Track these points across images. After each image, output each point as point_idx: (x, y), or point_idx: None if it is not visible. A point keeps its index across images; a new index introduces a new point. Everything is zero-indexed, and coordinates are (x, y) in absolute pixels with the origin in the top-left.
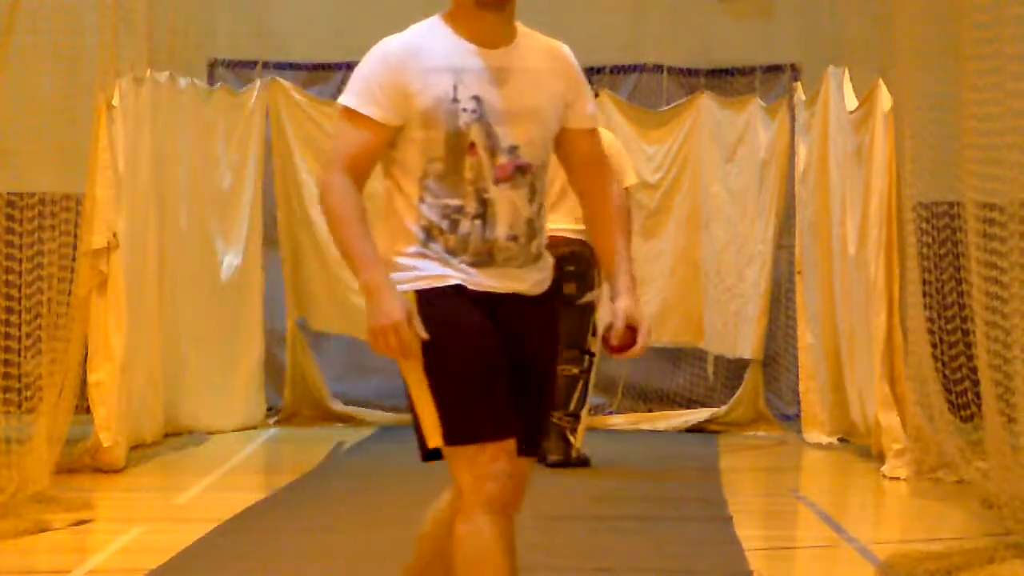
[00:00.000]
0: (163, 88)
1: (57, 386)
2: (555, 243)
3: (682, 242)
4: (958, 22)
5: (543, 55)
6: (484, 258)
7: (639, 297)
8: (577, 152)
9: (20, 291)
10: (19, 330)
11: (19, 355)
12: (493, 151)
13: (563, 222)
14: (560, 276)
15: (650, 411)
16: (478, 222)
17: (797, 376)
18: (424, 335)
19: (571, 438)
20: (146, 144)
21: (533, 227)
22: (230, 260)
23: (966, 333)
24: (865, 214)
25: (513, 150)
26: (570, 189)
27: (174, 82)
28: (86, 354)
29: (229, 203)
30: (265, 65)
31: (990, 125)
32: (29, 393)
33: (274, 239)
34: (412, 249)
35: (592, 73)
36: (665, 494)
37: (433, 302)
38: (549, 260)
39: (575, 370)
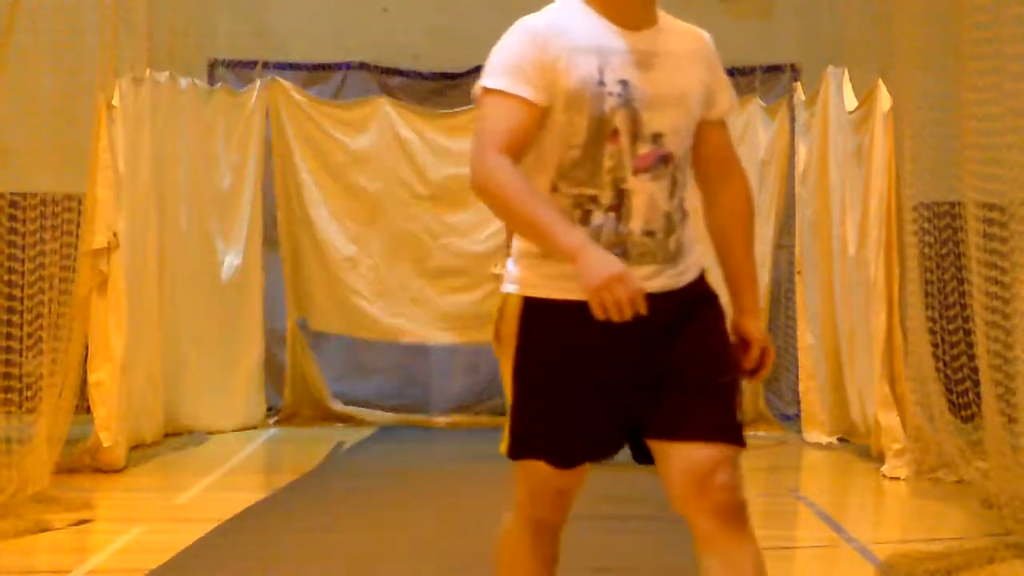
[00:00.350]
0: (163, 88)
1: (57, 386)
2: None
3: None
4: (958, 22)
5: (685, 39)
6: (616, 253)
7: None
8: (707, 146)
9: (23, 291)
10: (21, 330)
11: (21, 355)
12: (635, 139)
13: None
14: None
15: None
16: (612, 214)
17: (797, 376)
18: (645, 287)
19: None
20: (146, 144)
21: (672, 222)
22: (230, 260)
23: (967, 333)
24: (865, 214)
25: (657, 138)
26: None
27: (174, 82)
28: (86, 354)
29: (229, 203)
30: (265, 65)
31: (990, 125)
32: (30, 393)
33: (274, 239)
34: (535, 248)
35: None
36: (665, 494)
37: (540, 312)
38: (693, 253)
39: None
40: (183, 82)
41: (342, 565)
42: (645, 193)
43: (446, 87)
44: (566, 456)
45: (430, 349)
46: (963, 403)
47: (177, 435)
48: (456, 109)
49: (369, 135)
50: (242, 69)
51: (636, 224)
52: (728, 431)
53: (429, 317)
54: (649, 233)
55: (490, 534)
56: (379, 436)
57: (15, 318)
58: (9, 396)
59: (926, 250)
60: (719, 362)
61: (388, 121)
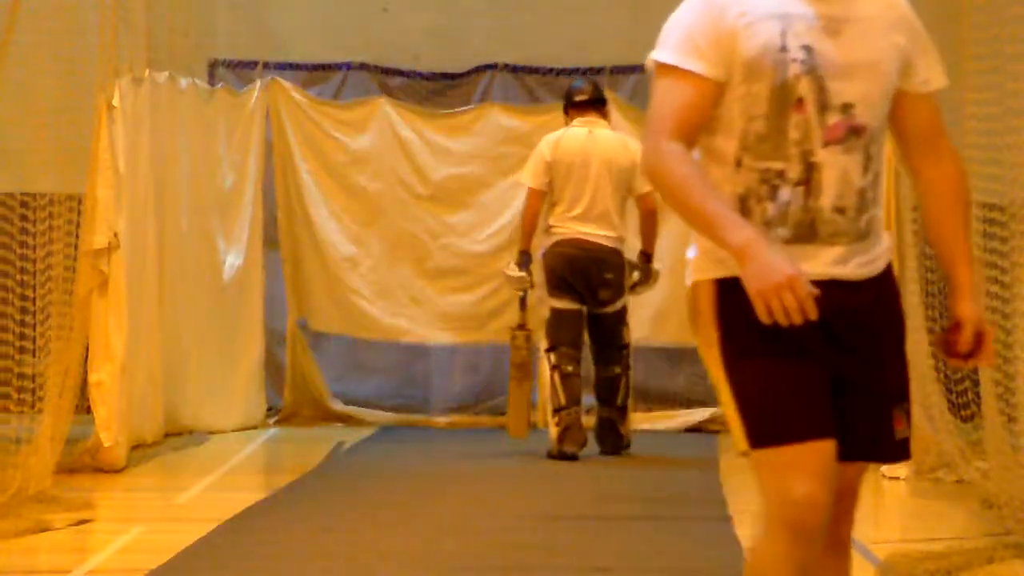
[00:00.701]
0: (162, 88)
1: (59, 386)
2: (591, 247)
3: (682, 242)
4: (958, 22)
5: (879, 4)
6: (805, 231)
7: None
8: (912, 120)
9: (34, 291)
10: (34, 330)
11: (34, 355)
12: (823, 109)
13: (596, 228)
14: (600, 283)
15: (649, 411)
16: (800, 189)
17: None
18: (816, 291)
19: (621, 430)
20: (145, 144)
21: (865, 199)
22: (232, 260)
23: None
24: None
25: (847, 108)
26: (600, 197)
27: (173, 82)
28: (87, 354)
29: (231, 203)
30: (265, 65)
31: (990, 125)
32: (42, 393)
33: (275, 239)
34: None
35: (592, 73)
36: (665, 494)
37: (735, 288)
38: (884, 239)
39: (616, 369)
40: (183, 82)
41: (342, 565)
42: (836, 167)
43: (446, 87)
44: (810, 422)
45: (430, 349)
46: (963, 403)
47: (177, 435)
48: (456, 109)
49: (369, 135)
50: (242, 69)
51: (826, 200)
52: (873, 451)
53: (429, 317)
54: (840, 210)
55: (490, 534)
56: (379, 436)
57: (28, 318)
58: (22, 396)
59: (926, 250)
60: (886, 380)
61: (388, 121)
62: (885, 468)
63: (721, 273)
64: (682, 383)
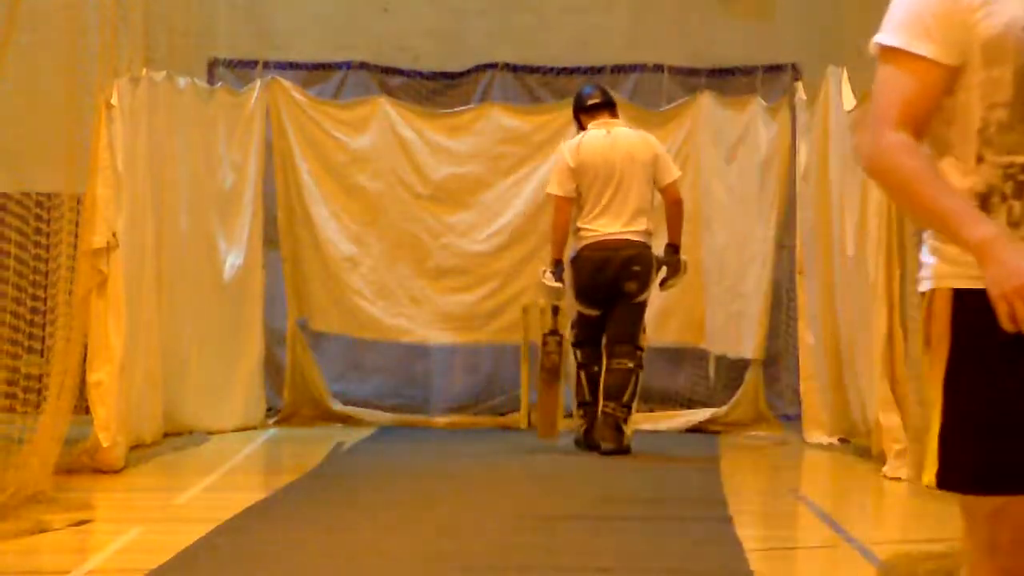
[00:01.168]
0: (160, 88)
1: (58, 386)
2: (620, 245)
3: (683, 241)
4: None
5: None
6: None
7: None
8: None
9: (45, 292)
10: (43, 330)
11: (41, 355)
12: None
13: (623, 225)
14: (626, 275)
15: (651, 411)
16: None
17: (797, 376)
18: None
19: (624, 427)
20: (143, 144)
21: None
22: (232, 260)
23: None
24: (864, 213)
25: None
26: (625, 193)
27: (171, 82)
28: (85, 354)
29: (230, 203)
30: (265, 65)
31: None
32: (47, 394)
33: (275, 239)
34: None
35: (592, 73)
36: (665, 494)
37: (976, 303)
38: None
39: (629, 364)
40: (182, 82)
41: (342, 565)
42: None
43: (446, 87)
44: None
45: (430, 349)
46: None
47: (177, 435)
48: (456, 109)
49: (369, 135)
50: (242, 69)
51: None
52: None
53: (429, 317)
54: None
55: (490, 534)
56: (379, 436)
57: (37, 319)
58: (27, 397)
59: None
60: None
61: (388, 121)
62: (886, 468)
63: (963, 283)
64: (683, 383)
